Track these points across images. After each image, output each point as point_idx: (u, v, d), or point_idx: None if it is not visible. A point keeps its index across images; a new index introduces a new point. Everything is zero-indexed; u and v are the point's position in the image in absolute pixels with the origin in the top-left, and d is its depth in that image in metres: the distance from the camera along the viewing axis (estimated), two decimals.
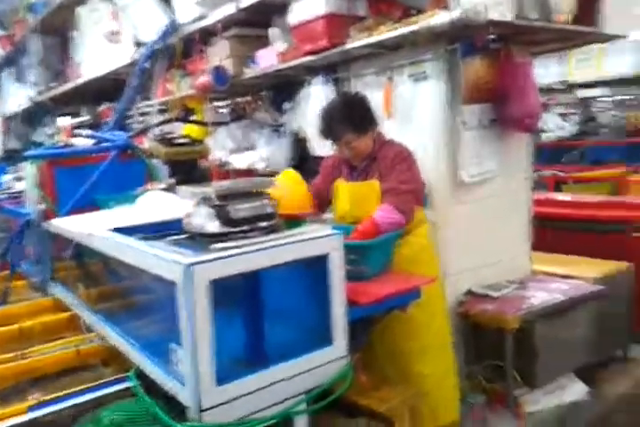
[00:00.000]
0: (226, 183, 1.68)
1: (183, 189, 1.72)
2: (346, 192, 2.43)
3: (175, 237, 1.67)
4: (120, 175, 2.58)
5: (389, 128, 2.70)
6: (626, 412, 2.69)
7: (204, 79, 3.65)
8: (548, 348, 2.61)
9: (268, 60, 3.42)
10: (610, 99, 8.51)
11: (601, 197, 4.35)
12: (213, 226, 1.56)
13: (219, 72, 3.59)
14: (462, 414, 2.39)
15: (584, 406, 2.71)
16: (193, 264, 1.34)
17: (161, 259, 1.42)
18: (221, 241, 1.52)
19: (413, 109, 2.78)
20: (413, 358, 2.30)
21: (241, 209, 1.58)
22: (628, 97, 8.05)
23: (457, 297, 2.76)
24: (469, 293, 2.78)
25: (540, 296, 2.69)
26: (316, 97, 3.27)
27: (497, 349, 2.57)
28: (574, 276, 2.97)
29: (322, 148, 3.23)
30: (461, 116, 2.68)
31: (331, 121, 2.33)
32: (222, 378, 1.36)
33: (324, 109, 2.40)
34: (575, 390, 2.76)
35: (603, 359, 3.09)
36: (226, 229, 1.55)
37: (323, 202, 2.54)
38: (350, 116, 2.31)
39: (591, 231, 3.64)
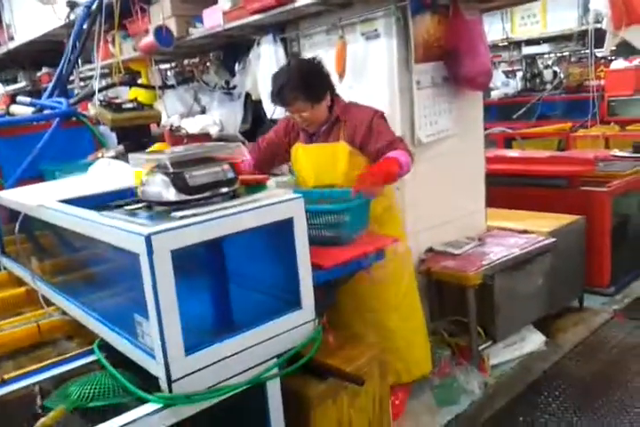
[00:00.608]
0: (180, 149, 1.62)
1: (135, 156, 1.63)
2: (309, 155, 2.36)
3: (132, 207, 1.60)
4: (65, 144, 2.46)
5: (342, 88, 2.64)
6: (580, 360, 2.81)
7: (148, 40, 3.48)
8: (508, 301, 2.70)
9: (213, 19, 3.28)
10: (553, 55, 8.64)
11: (549, 153, 4.44)
12: (171, 194, 1.50)
13: (162, 32, 3.42)
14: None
15: (542, 355, 2.84)
16: (153, 234, 1.29)
17: (120, 230, 1.37)
18: (181, 209, 1.46)
19: (366, 69, 2.73)
20: (384, 315, 2.33)
21: (198, 175, 1.52)
22: (569, 53, 8.18)
23: (419, 255, 2.80)
24: (430, 250, 2.82)
25: (498, 251, 2.76)
26: (266, 57, 3.18)
27: (459, 304, 2.63)
28: (529, 230, 3.04)
29: (277, 110, 3.16)
30: (415, 75, 2.64)
31: (282, 88, 2.20)
32: (191, 348, 1.34)
33: (277, 74, 2.28)
34: (534, 341, 2.88)
35: (559, 310, 3.21)
36: (184, 197, 1.49)
37: (274, 158, 2.48)
38: (303, 85, 2.18)
39: (541, 186, 3.71)
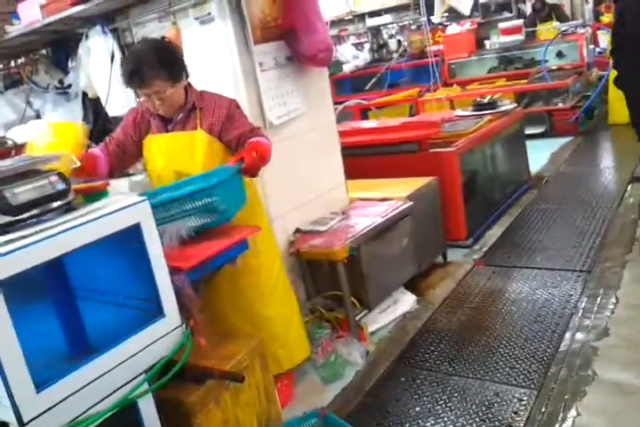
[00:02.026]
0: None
1: None
2: (163, 145, 2.23)
3: None
4: None
5: None
6: (450, 312, 2.98)
7: None
8: (376, 269, 2.80)
9: (31, 14, 3.01)
10: (395, 25, 9.01)
11: (399, 120, 4.62)
12: None
13: None
14: (311, 349, 2.50)
15: (415, 314, 2.99)
16: None
17: None
18: (6, 233, 1.33)
19: (205, 55, 2.64)
20: (260, 304, 2.31)
21: (21, 192, 1.39)
22: (408, 22, 8.59)
23: (287, 238, 2.81)
24: (298, 231, 2.84)
25: (362, 222, 2.84)
26: (97, 51, 2.99)
27: (332, 279, 2.69)
28: (388, 197, 3.15)
29: (118, 106, 2.99)
30: (256, 56, 2.61)
31: (140, 66, 2.03)
32: (42, 383, 1.23)
33: (131, 53, 2.13)
34: (406, 302, 3.03)
35: (426, 267, 3.38)
36: (8, 219, 1.35)
37: (126, 158, 2.32)
38: (164, 61, 2.05)
39: (394, 153, 3.84)
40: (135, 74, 2.05)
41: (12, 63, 4.09)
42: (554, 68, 6.85)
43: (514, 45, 7.32)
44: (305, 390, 2.44)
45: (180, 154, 2.20)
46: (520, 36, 7.29)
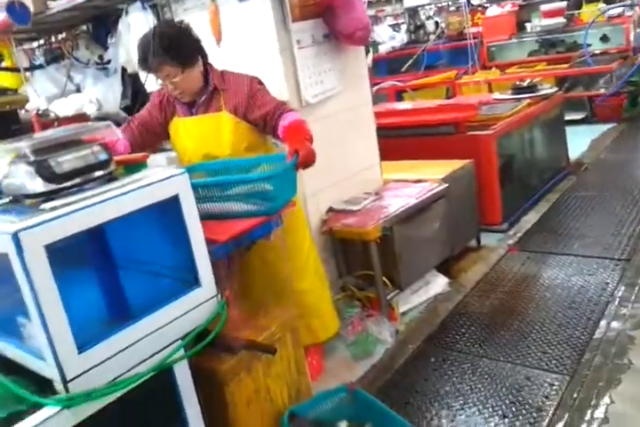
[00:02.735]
0: (41, 135, 1.50)
1: None
2: (190, 128, 2.25)
3: None
4: None
5: (221, 54, 2.55)
6: (482, 295, 2.97)
7: (1, 17, 3.16)
8: (409, 250, 2.79)
9: None
10: (433, 6, 8.83)
11: (436, 102, 4.54)
12: (38, 184, 1.39)
13: (16, 8, 3.12)
14: (342, 328, 2.53)
15: (447, 296, 2.98)
16: (21, 231, 1.20)
17: None
18: (51, 200, 1.37)
19: (243, 32, 2.64)
20: (293, 277, 2.33)
21: (66, 161, 1.42)
22: (447, 3, 8.40)
23: (320, 216, 2.82)
24: (331, 210, 2.84)
25: (395, 203, 2.83)
26: (137, 26, 3.00)
27: (364, 259, 2.69)
28: (423, 179, 3.13)
29: (157, 82, 3.01)
30: (294, 34, 2.59)
31: (146, 54, 2.07)
32: (84, 344, 1.27)
33: (141, 40, 2.15)
34: (438, 284, 3.02)
35: (459, 251, 3.36)
36: (53, 186, 1.39)
37: (150, 138, 2.35)
38: (169, 48, 2.06)
39: (430, 135, 3.79)
40: (143, 61, 2.11)
41: (54, 38, 4.17)
42: (597, 52, 6.63)
43: (556, 28, 7.10)
44: (335, 365, 2.47)
45: (207, 136, 2.23)
46: (562, 19, 7.06)
